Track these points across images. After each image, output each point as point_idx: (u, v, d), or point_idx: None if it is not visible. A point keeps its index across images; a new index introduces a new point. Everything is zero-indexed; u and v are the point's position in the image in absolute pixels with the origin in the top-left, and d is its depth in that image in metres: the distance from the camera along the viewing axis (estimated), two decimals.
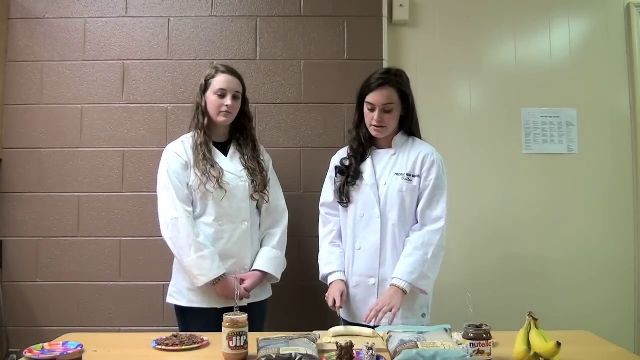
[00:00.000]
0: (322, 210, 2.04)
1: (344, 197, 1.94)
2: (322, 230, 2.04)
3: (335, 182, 1.99)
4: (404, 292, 1.77)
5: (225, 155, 2.02)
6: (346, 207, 1.95)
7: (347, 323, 1.85)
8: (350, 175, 1.93)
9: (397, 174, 1.89)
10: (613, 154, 2.66)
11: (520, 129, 2.66)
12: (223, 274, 1.89)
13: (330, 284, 1.93)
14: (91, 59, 2.54)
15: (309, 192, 2.47)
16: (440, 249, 1.84)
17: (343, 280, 1.91)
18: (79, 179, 2.50)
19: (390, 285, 1.80)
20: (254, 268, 1.99)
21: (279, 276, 2.04)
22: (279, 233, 2.07)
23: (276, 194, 2.10)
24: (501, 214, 2.64)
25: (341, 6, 2.55)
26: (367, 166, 1.93)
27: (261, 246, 2.06)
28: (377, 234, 1.87)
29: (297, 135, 2.53)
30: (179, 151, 1.99)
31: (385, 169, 1.91)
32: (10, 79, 2.52)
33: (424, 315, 1.88)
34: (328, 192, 2.02)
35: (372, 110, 1.87)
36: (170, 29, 2.55)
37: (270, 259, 2.02)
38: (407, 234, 1.88)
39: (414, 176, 1.88)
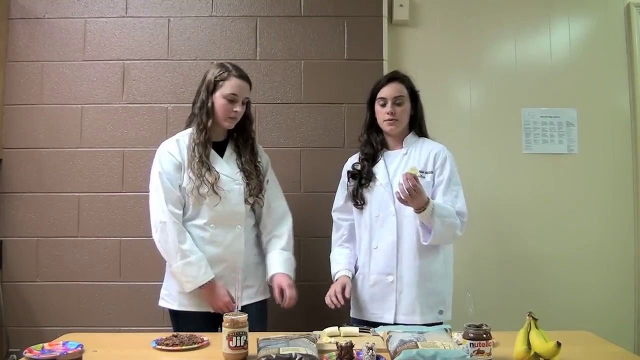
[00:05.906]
0: (334, 216, 2.07)
1: (358, 199, 1.95)
2: (334, 236, 2.07)
3: (347, 186, 2.00)
4: (428, 201, 1.74)
5: (222, 155, 1.97)
6: (361, 209, 1.95)
7: (363, 322, 1.84)
8: (363, 177, 1.95)
9: None
10: (613, 154, 2.65)
11: (520, 129, 2.66)
12: (211, 279, 1.84)
13: (336, 280, 1.94)
14: (91, 59, 2.54)
15: (309, 192, 2.48)
16: (455, 227, 1.82)
17: (348, 276, 1.92)
18: (79, 179, 2.50)
19: None
20: (275, 272, 1.95)
21: (293, 277, 2.02)
22: (286, 234, 2.03)
23: (276, 194, 2.06)
24: (501, 214, 2.64)
25: (341, 6, 2.55)
26: (379, 167, 1.95)
27: (266, 249, 2.03)
28: (394, 232, 1.88)
29: (297, 135, 2.53)
30: (173, 151, 1.92)
31: (399, 168, 1.93)
32: (10, 79, 2.52)
33: (441, 312, 1.87)
34: (339, 198, 2.05)
35: (383, 105, 1.91)
36: (170, 29, 2.55)
37: (284, 260, 1.98)
38: None
39: (426, 172, 1.89)
